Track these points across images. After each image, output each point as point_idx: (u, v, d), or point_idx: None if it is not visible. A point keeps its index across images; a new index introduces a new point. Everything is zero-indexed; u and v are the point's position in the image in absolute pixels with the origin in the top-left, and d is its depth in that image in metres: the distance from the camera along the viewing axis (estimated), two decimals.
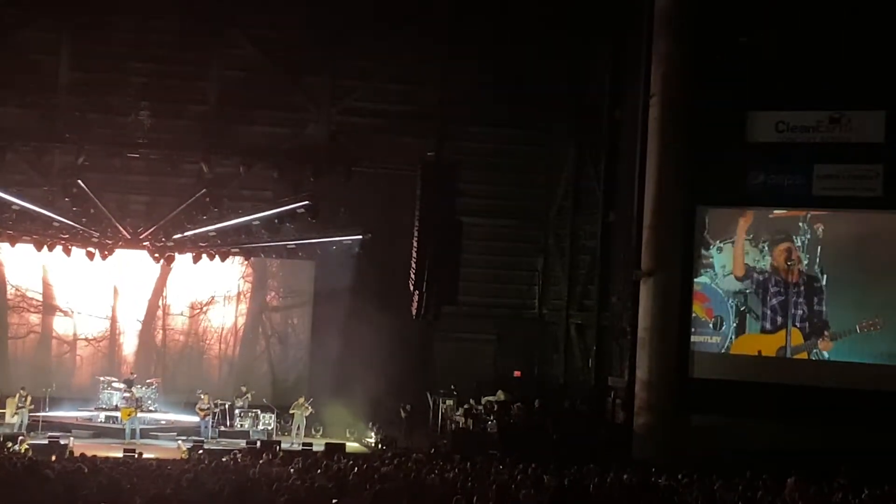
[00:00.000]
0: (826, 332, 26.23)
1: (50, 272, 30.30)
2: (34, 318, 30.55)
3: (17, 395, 26.86)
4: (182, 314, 31.17)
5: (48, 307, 30.54)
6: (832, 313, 26.21)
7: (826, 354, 26.29)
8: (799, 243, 26.59)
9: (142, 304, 31.00)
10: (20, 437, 24.46)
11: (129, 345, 30.99)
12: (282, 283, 31.79)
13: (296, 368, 31.37)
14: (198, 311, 31.24)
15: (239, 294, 31.47)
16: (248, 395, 28.83)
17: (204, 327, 31.33)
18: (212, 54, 30.86)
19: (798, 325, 26.47)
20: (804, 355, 26.47)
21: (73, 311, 30.59)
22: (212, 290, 31.16)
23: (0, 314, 30.43)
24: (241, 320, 31.58)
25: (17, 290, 30.39)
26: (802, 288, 26.49)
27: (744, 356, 26.82)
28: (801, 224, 26.64)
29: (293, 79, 31.36)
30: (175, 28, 30.27)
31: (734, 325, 26.94)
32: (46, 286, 30.45)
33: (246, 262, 31.07)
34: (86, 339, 30.71)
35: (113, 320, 30.82)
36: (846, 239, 26.54)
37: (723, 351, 26.96)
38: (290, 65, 31.09)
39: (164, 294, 31.03)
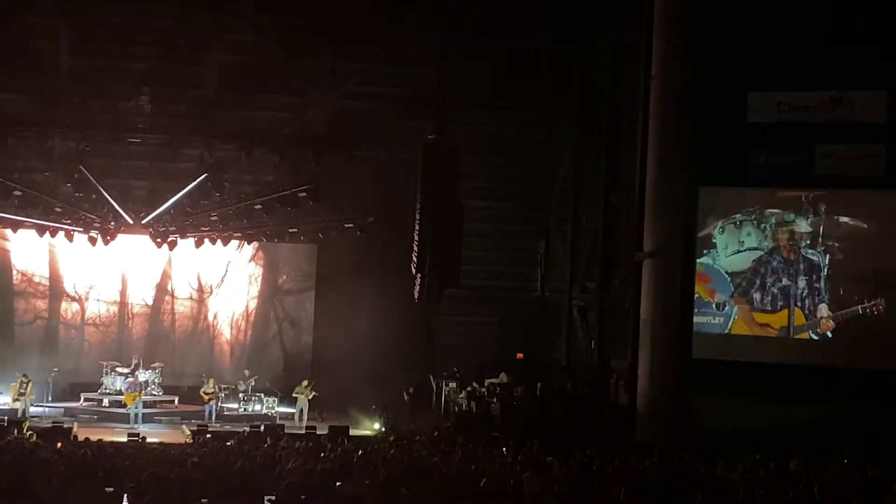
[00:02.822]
0: (827, 313, 26.22)
1: (57, 257, 30.34)
2: (41, 304, 30.60)
3: (19, 382, 26.89)
4: (191, 298, 31.25)
5: (55, 292, 30.58)
6: (834, 293, 26.21)
7: (829, 335, 26.28)
8: (801, 223, 26.57)
9: (150, 289, 31.05)
10: (24, 423, 24.47)
11: (137, 329, 31.06)
12: (293, 266, 31.80)
13: (308, 352, 31.43)
14: (208, 295, 31.31)
15: (250, 278, 31.53)
16: (252, 380, 28.88)
17: (215, 312, 31.39)
18: (211, 39, 30.82)
19: (800, 304, 26.49)
20: (805, 335, 26.49)
21: (80, 296, 30.63)
22: (222, 275, 31.20)
23: (6, 299, 30.47)
24: (253, 304, 31.63)
25: (23, 275, 30.43)
26: (802, 266, 26.49)
27: (746, 336, 26.83)
28: (803, 204, 26.62)
29: (293, 63, 31.33)
30: (175, 13, 30.23)
31: (737, 305, 26.94)
32: (54, 271, 30.49)
33: (256, 246, 31.10)
34: (94, 324, 30.76)
35: (122, 305, 30.87)
36: (849, 219, 26.52)
37: (725, 331, 26.97)
38: (289, 49, 31.05)
39: (172, 278, 31.08)
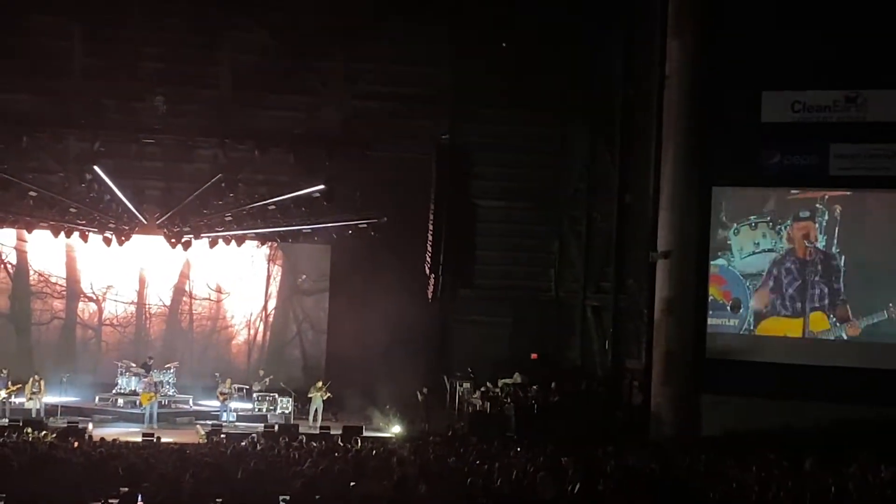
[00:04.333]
0: (852, 319, 26.11)
1: (74, 258, 30.40)
2: (58, 304, 30.68)
3: (31, 381, 26.97)
4: (209, 299, 31.29)
5: (72, 293, 30.65)
6: (854, 296, 26.10)
7: (852, 338, 26.19)
8: (817, 224, 26.51)
9: (168, 289, 31.13)
10: (41, 423, 24.55)
11: (155, 330, 31.13)
12: (312, 267, 31.79)
13: (323, 353, 31.43)
14: (225, 295, 31.33)
15: (268, 278, 31.54)
16: (266, 380, 28.89)
17: (232, 312, 31.43)
18: (225, 39, 30.80)
19: (818, 306, 26.39)
20: (828, 337, 26.39)
21: (98, 297, 30.69)
22: (239, 275, 31.24)
23: (23, 300, 30.55)
24: (271, 305, 31.65)
25: (40, 275, 30.50)
26: (819, 267, 26.42)
27: (761, 337, 26.76)
28: (818, 205, 26.56)
29: (306, 63, 31.30)
30: (188, 13, 30.24)
31: (752, 307, 26.88)
32: (71, 272, 30.57)
33: (274, 246, 31.11)
34: (111, 325, 30.82)
35: (139, 305, 30.94)
36: (864, 220, 26.44)
37: (742, 332, 26.90)
38: (303, 49, 31.02)
39: (190, 279, 31.12)
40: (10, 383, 26.94)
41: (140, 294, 30.98)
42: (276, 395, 28.44)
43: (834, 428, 23.55)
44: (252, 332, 31.57)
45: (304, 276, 31.81)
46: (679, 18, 26.55)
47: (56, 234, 28.75)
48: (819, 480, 16.46)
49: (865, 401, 24.55)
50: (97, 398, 28.62)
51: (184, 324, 31.32)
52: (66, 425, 24.36)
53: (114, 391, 28.68)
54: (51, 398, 27.36)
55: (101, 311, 30.84)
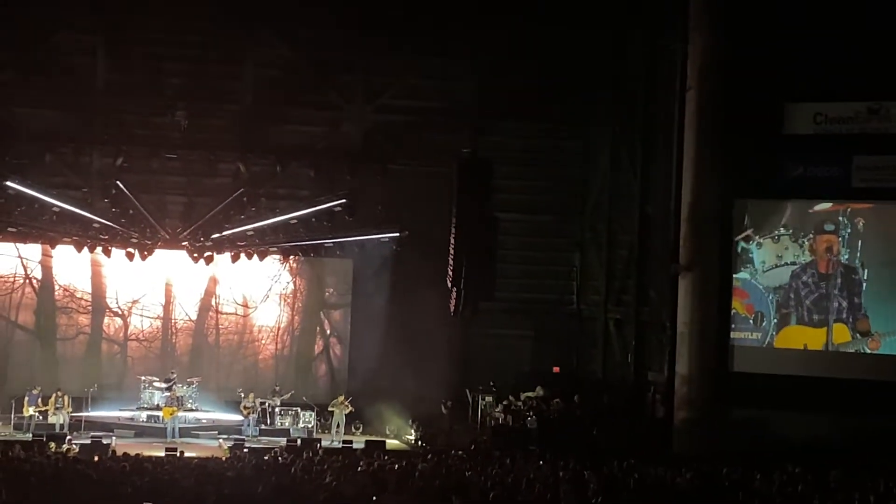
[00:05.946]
0: (875, 332, 25.97)
1: (100, 272, 30.47)
2: (83, 319, 30.72)
3: (55, 396, 27.05)
4: (236, 313, 31.31)
5: (98, 307, 30.69)
6: (878, 310, 25.96)
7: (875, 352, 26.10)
8: (839, 237, 26.40)
9: (194, 304, 31.17)
10: (68, 438, 24.62)
11: (181, 344, 31.15)
12: (339, 280, 31.78)
13: (346, 367, 31.40)
14: (252, 309, 31.34)
15: (294, 292, 31.56)
16: (286, 395, 28.82)
17: (259, 326, 31.44)
18: (246, 54, 30.95)
19: (840, 318, 26.27)
20: (851, 350, 26.28)
21: (123, 311, 30.76)
22: (265, 289, 31.24)
23: (48, 315, 30.64)
24: (297, 319, 31.60)
25: (65, 290, 30.56)
26: (839, 280, 26.31)
27: (785, 350, 26.66)
28: (840, 218, 26.45)
29: (327, 77, 31.43)
30: (210, 28, 30.38)
31: (775, 320, 26.78)
32: (96, 286, 30.61)
33: (300, 260, 31.12)
34: (137, 340, 30.87)
35: (165, 320, 30.98)
36: (888, 233, 26.31)
37: (765, 346, 26.79)
38: (324, 63, 31.16)
39: (216, 293, 31.16)
40: (39, 401, 27.03)
41: (166, 309, 31.01)
42: (299, 410, 28.44)
43: (859, 440, 23.42)
44: (278, 346, 31.53)
45: (331, 290, 31.84)
46: (700, 30, 26.50)
47: (79, 249, 28.86)
48: (844, 493, 16.37)
49: (889, 413, 24.42)
50: (120, 412, 28.67)
51: (210, 338, 31.35)
52: (89, 440, 24.44)
53: (136, 406, 28.73)
54: (75, 413, 27.42)
55: (126, 325, 30.86)
